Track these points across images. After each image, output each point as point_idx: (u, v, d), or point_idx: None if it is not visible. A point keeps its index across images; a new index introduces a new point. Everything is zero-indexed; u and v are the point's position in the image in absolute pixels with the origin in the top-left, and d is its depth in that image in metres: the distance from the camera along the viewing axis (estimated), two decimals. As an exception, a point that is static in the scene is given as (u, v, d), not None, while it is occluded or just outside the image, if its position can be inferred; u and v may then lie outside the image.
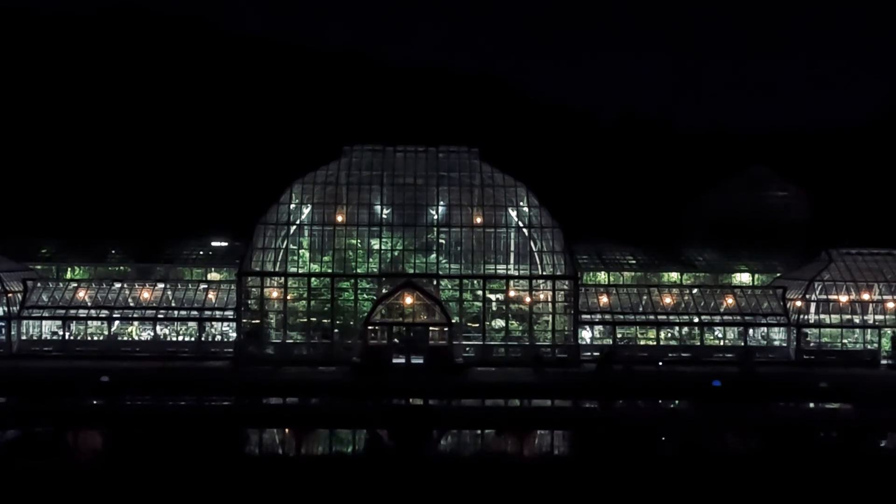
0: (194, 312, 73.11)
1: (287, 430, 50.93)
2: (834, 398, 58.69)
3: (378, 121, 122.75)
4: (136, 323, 73.62)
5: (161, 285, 75.47)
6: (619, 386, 59.32)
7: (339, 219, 72.40)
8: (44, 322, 73.20)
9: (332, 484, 35.44)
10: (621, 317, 73.67)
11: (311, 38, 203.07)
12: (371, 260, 72.27)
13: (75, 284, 75.55)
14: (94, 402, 55.14)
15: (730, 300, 75.09)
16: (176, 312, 73.37)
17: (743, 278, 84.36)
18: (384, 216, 72.90)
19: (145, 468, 36.58)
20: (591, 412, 56.69)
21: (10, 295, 72.38)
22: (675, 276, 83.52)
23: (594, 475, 36.90)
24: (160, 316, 73.22)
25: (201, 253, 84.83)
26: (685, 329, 73.47)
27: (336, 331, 71.01)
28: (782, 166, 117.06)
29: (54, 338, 72.92)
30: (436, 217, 73.07)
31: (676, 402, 58.57)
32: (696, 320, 73.52)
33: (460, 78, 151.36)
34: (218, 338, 73.23)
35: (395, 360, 67.12)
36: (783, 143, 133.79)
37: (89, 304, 73.50)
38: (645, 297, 75.01)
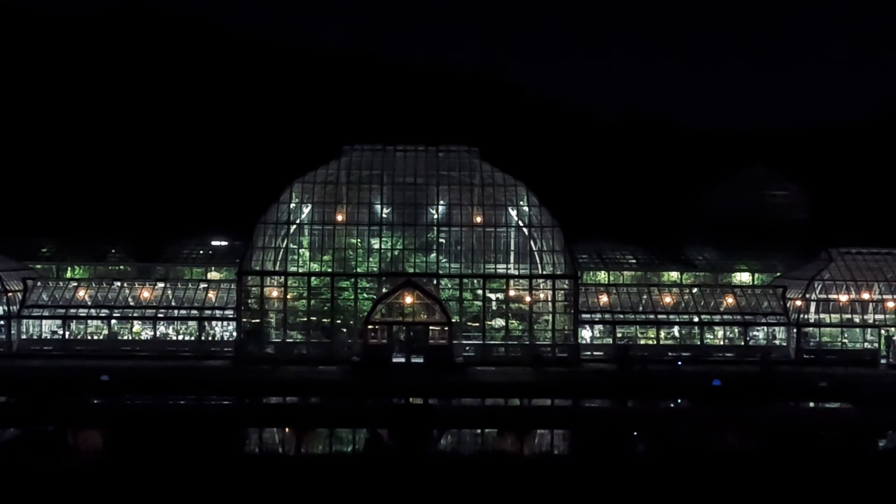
0: (194, 312, 73.13)
1: (287, 430, 50.92)
2: (834, 398, 58.83)
3: (378, 120, 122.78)
4: (136, 322, 73.63)
5: (161, 284, 75.50)
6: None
7: (339, 218, 72.40)
8: (44, 321, 73.23)
9: (332, 483, 35.42)
10: (621, 316, 73.68)
11: (311, 37, 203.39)
12: (371, 259, 72.28)
13: (75, 284, 75.58)
14: (95, 402, 55.09)
15: (730, 300, 75.08)
16: (176, 312, 73.39)
17: (743, 278, 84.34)
18: (384, 215, 72.91)
19: (145, 467, 36.55)
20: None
21: (10, 294, 72.41)
22: (675, 275, 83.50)
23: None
24: (160, 315, 73.23)
25: (201, 252, 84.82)
26: (685, 329, 73.49)
27: (338, 330, 71.00)
28: (782, 166, 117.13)
29: (54, 337, 72.94)
30: (436, 216, 73.07)
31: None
32: (696, 320, 73.53)
33: (460, 77, 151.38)
34: (218, 337, 73.24)
35: (395, 360, 67.18)
36: (783, 143, 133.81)
37: (89, 303, 73.54)
38: (645, 297, 75.02)
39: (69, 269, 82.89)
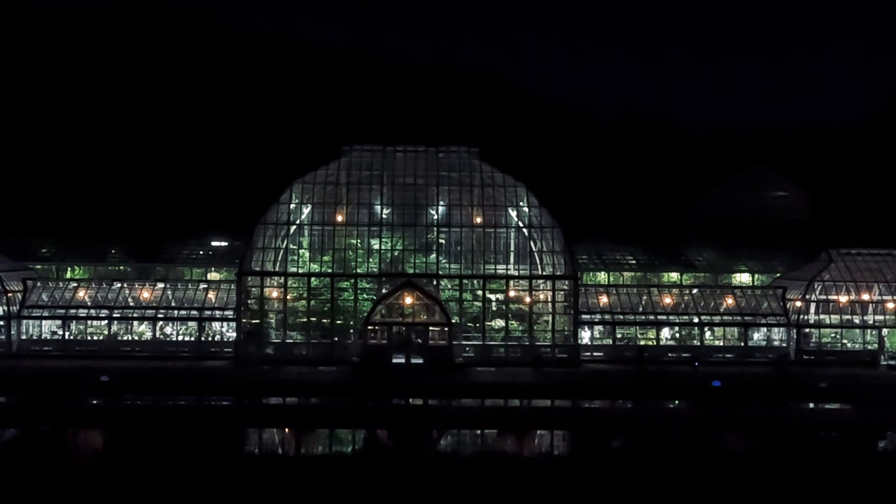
0: (194, 312, 73.12)
1: (287, 430, 50.91)
2: (834, 399, 58.82)
3: (378, 121, 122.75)
4: (136, 322, 73.61)
5: (161, 285, 75.50)
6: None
7: (339, 219, 72.39)
8: (44, 322, 73.21)
9: (331, 483, 35.42)
10: (621, 317, 73.66)
11: (312, 38, 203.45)
12: (371, 260, 72.27)
13: (75, 284, 75.58)
14: (94, 402, 55.10)
15: (730, 300, 75.07)
16: (176, 312, 73.38)
17: (743, 278, 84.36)
18: (384, 216, 72.89)
19: (145, 467, 36.54)
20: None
21: (9, 294, 72.40)
22: (675, 276, 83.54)
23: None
24: (160, 316, 73.22)
25: (201, 253, 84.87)
26: (685, 329, 73.48)
27: (338, 331, 71.00)
28: (782, 166, 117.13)
29: (54, 337, 72.92)
30: (436, 217, 73.07)
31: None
32: (696, 320, 73.51)
33: (460, 78, 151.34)
34: (218, 337, 73.23)
35: (394, 360, 67.16)
36: (783, 143, 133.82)
37: (89, 303, 73.52)
38: (645, 297, 75.01)
39: (69, 269, 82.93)
